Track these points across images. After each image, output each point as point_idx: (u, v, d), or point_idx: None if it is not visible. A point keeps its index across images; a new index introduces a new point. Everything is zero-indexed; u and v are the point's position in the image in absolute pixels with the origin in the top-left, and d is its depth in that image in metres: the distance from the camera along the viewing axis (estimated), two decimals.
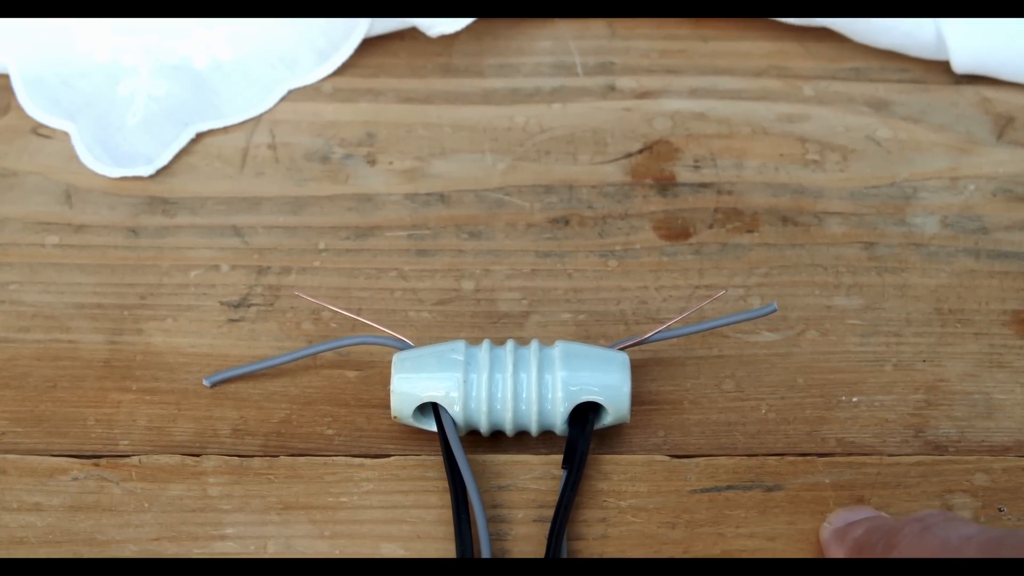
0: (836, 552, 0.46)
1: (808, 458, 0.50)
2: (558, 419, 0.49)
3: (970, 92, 0.62)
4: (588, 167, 0.59)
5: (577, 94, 0.62)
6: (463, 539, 0.47)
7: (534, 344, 0.50)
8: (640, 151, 0.60)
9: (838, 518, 0.47)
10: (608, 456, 0.50)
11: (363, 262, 0.56)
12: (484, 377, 0.49)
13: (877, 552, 0.43)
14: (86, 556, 0.48)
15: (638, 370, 0.52)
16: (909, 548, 0.42)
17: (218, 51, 0.62)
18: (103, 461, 0.50)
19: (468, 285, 0.55)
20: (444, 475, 0.49)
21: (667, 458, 0.50)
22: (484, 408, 0.49)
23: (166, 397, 0.52)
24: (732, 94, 0.62)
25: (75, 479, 0.50)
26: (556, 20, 0.65)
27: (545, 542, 0.47)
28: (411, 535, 0.48)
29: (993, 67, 0.61)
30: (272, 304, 0.55)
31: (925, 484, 0.49)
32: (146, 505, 0.49)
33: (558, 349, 0.49)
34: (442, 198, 0.58)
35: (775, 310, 0.52)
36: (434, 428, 0.50)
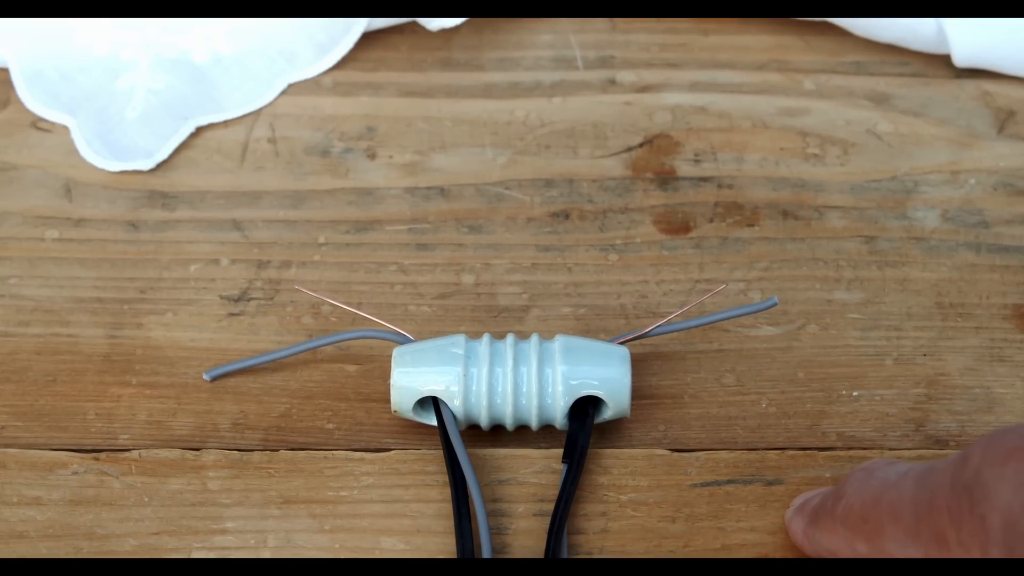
0: (797, 525, 0.46)
1: (809, 452, 0.50)
2: (558, 413, 0.49)
3: (971, 86, 0.62)
4: (588, 161, 0.59)
5: (577, 88, 0.62)
6: (463, 533, 0.47)
7: (534, 338, 0.50)
8: (640, 145, 0.60)
9: (799, 499, 0.47)
10: (608, 450, 0.50)
11: (363, 256, 0.56)
12: (484, 371, 0.49)
13: (828, 508, 0.44)
14: (86, 550, 0.48)
15: (638, 364, 0.52)
16: (855, 494, 0.43)
17: (218, 45, 0.62)
18: (103, 455, 0.50)
19: (468, 279, 0.55)
20: (444, 469, 0.49)
21: (667, 452, 0.50)
22: (484, 402, 0.49)
23: (166, 391, 0.52)
24: (732, 88, 0.62)
25: (75, 473, 0.50)
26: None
27: (545, 536, 0.47)
28: (411, 529, 0.48)
29: (994, 61, 0.61)
30: (272, 298, 0.55)
31: None
32: (146, 499, 0.49)
33: (558, 343, 0.49)
34: (442, 192, 0.58)
35: (775, 304, 0.51)
36: (434, 422, 0.50)
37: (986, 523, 0.37)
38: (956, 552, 0.38)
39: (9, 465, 0.50)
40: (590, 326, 0.54)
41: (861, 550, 0.42)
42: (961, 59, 0.61)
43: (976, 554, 0.38)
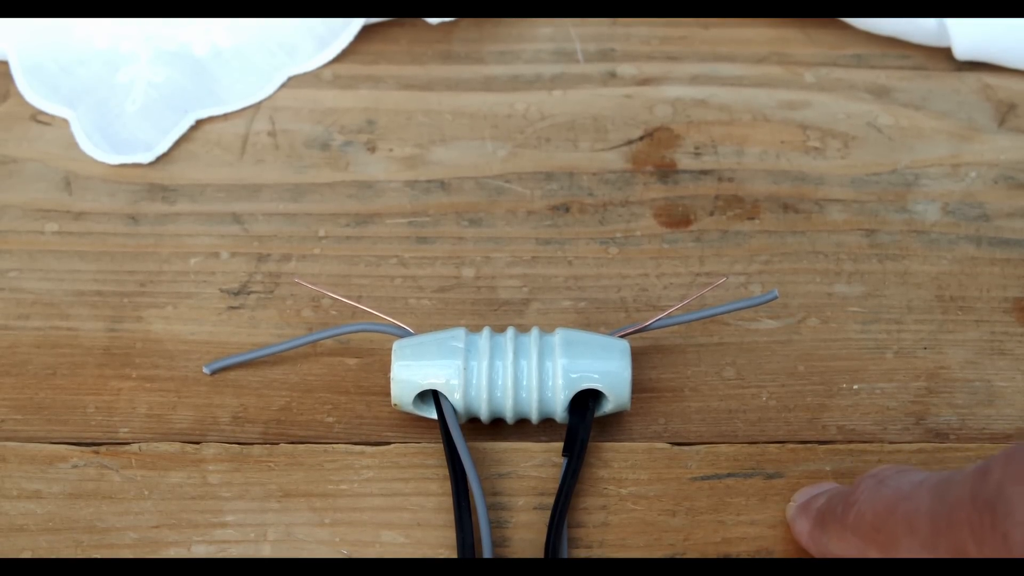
0: (802, 525, 0.46)
1: (809, 446, 0.50)
2: (558, 407, 0.49)
3: (971, 79, 0.62)
4: (589, 154, 0.59)
5: (578, 81, 0.62)
6: (463, 527, 0.47)
7: (534, 331, 0.50)
8: (641, 138, 0.60)
9: (802, 495, 0.47)
10: (608, 444, 0.50)
11: (363, 249, 0.56)
12: (484, 364, 0.49)
13: (837, 514, 0.44)
14: (86, 543, 0.48)
15: (639, 357, 0.52)
16: (866, 502, 0.42)
17: (217, 38, 0.62)
18: (103, 449, 0.50)
19: (468, 272, 0.55)
20: (444, 463, 0.49)
21: (668, 446, 0.50)
22: (484, 395, 0.49)
23: (166, 384, 0.52)
24: (733, 81, 0.62)
25: (75, 467, 0.50)
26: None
27: (545, 530, 0.47)
28: (411, 523, 0.48)
29: (994, 54, 0.61)
30: (272, 291, 0.55)
31: None
32: (146, 493, 0.49)
33: (558, 336, 0.49)
34: (442, 185, 0.58)
35: (776, 297, 0.51)
36: (434, 415, 0.50)
37: (1009, 540, 0.37)
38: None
39: (9, 459, 0.50)
40: (590, 319, 0.54)
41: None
42: (962, 52, 0.61)
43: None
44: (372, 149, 0.59)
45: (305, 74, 0.62)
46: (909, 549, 0.40)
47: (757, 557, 0.47)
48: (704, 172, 0.59)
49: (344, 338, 0.53)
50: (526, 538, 0.48)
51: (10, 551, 0.47)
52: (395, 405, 0.50)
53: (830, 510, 0.44)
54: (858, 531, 0.42)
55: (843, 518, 0.43)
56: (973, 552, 0.38)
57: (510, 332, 0.49)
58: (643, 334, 0.52)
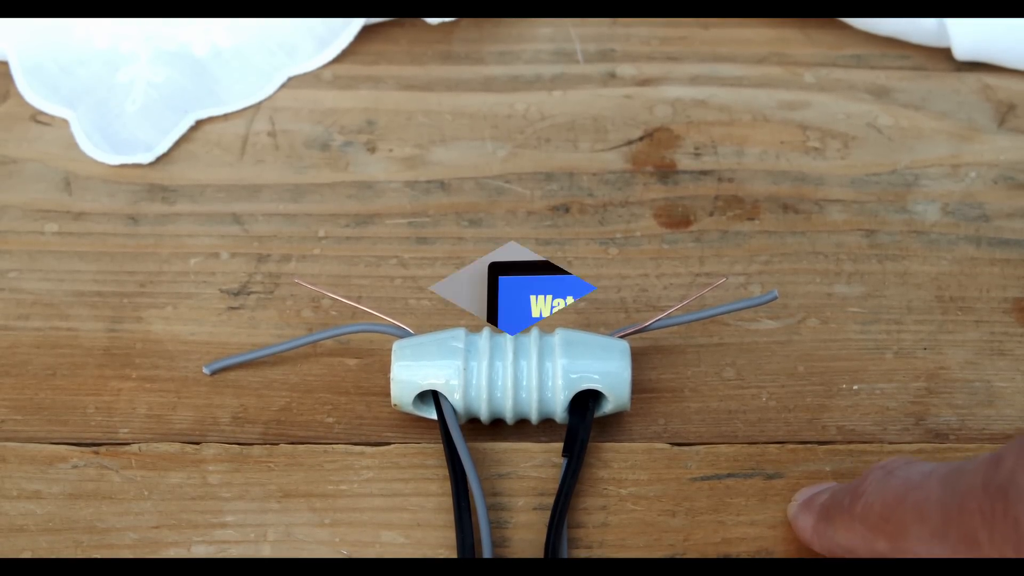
0: (805, 521, 0.46)
1: (809, 446, 0.50)
2: (558, 407, 0.49)
3: (971, 79, 0.62)
4: (588, 155, 0.59)
5: (577, 81, 0.62)
6: (463, 527, 0.47)
7: (534, 332, 0.50)
8: (641, 138, 0.60)
9: (803, 495, 0.47)
10: (608, 444, 0.50)
11: (363, 250, 0.56)
12: (484, 365, 0.49)
13: (845, 505, 0.44)
14: (86, 543, 0.48)
15: (638, 358, 0.52)
16: (875, 492, 0.42)
17: (217, 38, 0.62)
18: (103, 449, 0.50)
19: None
20: (444, 463, 0.49)
21: (667, 446, 0.50)
22: (484, 396, 0.49)
23: (166, 385, 0.52)
24: (733, 81, 0.62)
25: (75, 467, 0.50)
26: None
27: (545, 530, 0.47)
28: (411, 523, 0.48)
29: (994, 54, 0.61)
30: (272, 292, 0.55)
31: None
32: (146, 493, 0.49)
33: (558, 337, 0.49)
34: (442, 185, 0.58)
35: (776, 298, 0.51)
36: (434, 416, 0.50)
37: (1021, 526, 0.37)
38: (988, 554, 0.38)
39: (9, 459, 0.50)
40: (590, 320, 0.54)
41: (881, 549, 0.42)
42: (961, 52, 0.61)
43: (1010, 556, 0.37)
44: (372, 149, 0.59)
45: (305, 74, 0.62)
46: (919, 538, 0.40)
47: (757, 557, 0.47)
48: (704, 172, 0.59)
49: (344, 338, 0.53)
50: (526, 538, 0.48)
51: (10, 551, 0.47)
52: (395, 405, 0.50)
53: (836, 503, 0.44)
54: (866, 521, 0.42)
55: (851, 509, 0.43)
56: (984, 539, 0.38)
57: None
58: (643, 334, 0.52)
